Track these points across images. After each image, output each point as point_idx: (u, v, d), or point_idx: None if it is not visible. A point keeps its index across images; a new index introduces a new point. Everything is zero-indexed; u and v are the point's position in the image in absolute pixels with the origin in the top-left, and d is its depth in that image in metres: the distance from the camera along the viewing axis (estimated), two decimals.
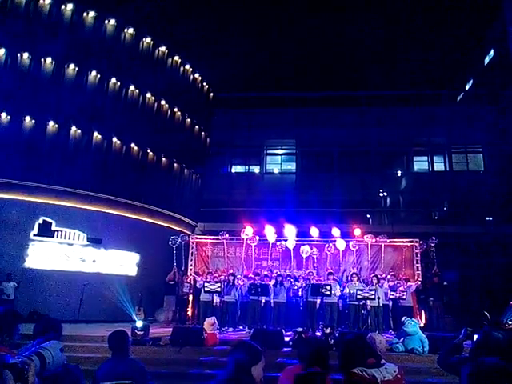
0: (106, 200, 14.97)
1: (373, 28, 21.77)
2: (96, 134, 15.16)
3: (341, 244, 13.17)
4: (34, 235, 13.61)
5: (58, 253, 13.86)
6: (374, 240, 13.35)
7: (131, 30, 16.46)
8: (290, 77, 22.41)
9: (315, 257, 13.20)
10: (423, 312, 12.38)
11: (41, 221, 13.71)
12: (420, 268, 13.37)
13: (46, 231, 13.70)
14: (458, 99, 24.36)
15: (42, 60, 14.57)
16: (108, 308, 13.64)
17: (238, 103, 23.06)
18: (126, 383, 3.47)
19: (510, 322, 9.09)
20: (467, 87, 24.52)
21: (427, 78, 22.21)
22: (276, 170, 23.24)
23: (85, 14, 15.47)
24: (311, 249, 13.20)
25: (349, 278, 12.30)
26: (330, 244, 13.28)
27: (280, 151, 23.55)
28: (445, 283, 12.58)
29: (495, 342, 2.62)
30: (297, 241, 13.61)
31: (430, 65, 22.15)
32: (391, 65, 22.43)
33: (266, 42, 21.47)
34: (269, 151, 23.22)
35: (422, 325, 11.23)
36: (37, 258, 13.53)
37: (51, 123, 14.33)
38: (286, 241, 13.38)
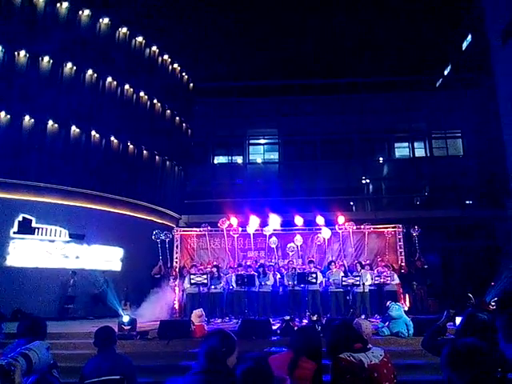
0: (86, 195, 14.74)
1: (351, 16, 21.77)
2: (74, 128, 14.86)
3: (326, 233, 13.27)
4: (14, 233, 13.33)
5: (39, 250, 13.62)
6: (354, 227, 13.49)
7: (107, 20, 16.10)
8: (271, 65, 22.30)
9: (299, 244, 13.24)
10: (407, 296, 12.61)
11: (20, 218, 13.42)
12: (403, 253, 13.57)
13: (26, 228, 13.43)
14: (437, 85, 24.64)
15: (16, 53, 14.15)
16: (93, 304, 13.53)
17: (219, 93, 22.90)
18: (115, 378, 3.45)
19: (493, 303, 9.32)
20: (446, 72, 24.81)
21: (406, 64, 22.39)
22: (259, 160, 23.22)
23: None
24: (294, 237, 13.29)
25: (326, 266, 12.44)
26: (319, 235, 13.35)
27: (262, 141, 23.52)
28: (427, 267, 12.84)
29: (480, 324, 2.68)
30: (282, 230, 13.68)
31: (408, 51, 22.30)
32: (370, 52, 22.50)
33: (246, 30, 21.28)
34: (251, 141, 23.16)
35: (406, 308, 11.43)
36: (18, 256, 13.27)
37: (27, 118, 13.97)
38: (270, 237, 13.41)
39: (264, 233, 13.45)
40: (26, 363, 1.88)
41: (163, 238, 13.38)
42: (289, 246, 13.29)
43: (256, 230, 13.55)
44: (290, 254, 13.23)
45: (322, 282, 11.62)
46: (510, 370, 1.92)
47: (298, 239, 13.22)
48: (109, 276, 14.23)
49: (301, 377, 2.90)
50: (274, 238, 13.33)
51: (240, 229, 13.57)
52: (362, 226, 13.63)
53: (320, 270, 12.03)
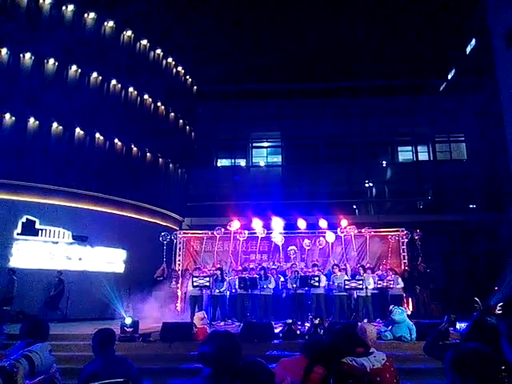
0: (90, 197, 14.78)
1: (355, 19, 21.81)
2: (78, 130, 14.91)
3: (330, 236, 13.27)
4: (18, 234, 13.36)
5: (42, 251, 13.65)
6: (356, 231, 13.48)
7: (111, 23, 16.19)
8: (274, 69, 22.35)
9: (307, 248, 13.29)
10: (410, 300, 12.57)
11: (24, 219, 13.46)
12: (406, 257, 13.54)
13: (29, 230, 13.47)
14: (441, 89, 24.61)
15: (21, 55, 14.23)
16: (96, 306, 13.53)
17: (222, 96, 22.95)
18: (119, 381, 3.43)
19: (499, 307, 9.34)
20: (450, 76, 24.78)
21: (410, 68, 22.38)
22: (262, 163, 23.22)
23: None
24: (300, 242, 13.33)
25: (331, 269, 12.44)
26: (321, 238, 13.36)
27: (265, 144, 23.53)
28: (431, 271, 12.81)
29: (489, 328, 2.67)
30: (284, 233, 13.68)
31: (412, 54, 22.31)
32: (374, 56, 22.52)
33: (250, 34, 21.33)
34: (254, 144, 23.18)
35: (409, 312, 11.40)
36: (21, 258, 13.30)
37: (32, 120, 14.03)
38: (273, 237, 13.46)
39: (272, 239, 13.44)
40: (29, 365, 1.89)
41: (172, 238, 13.43)
42: (289, 248, 13.30)
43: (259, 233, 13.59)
44: (292, 256, 13.24)
45: (325, 285, 11.60)
46: None
47: (307, 243, 13.26)
48: (112, 278, 14.21)
49: (311, 380, 2.92)
50: (280, 236, 13.34)
51: (246, 232, 13.59)
52: (363, 230, 13.59)
53: (324, 273, 12.00)
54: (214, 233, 13.84)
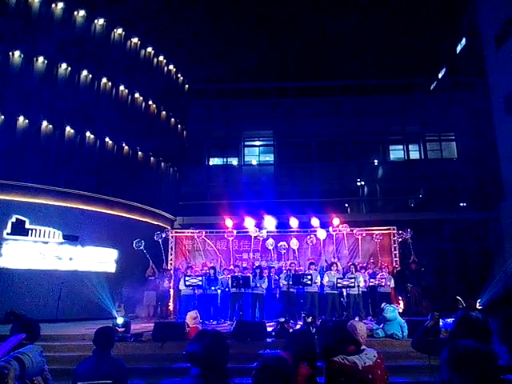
0: (81, 196, 14.66)
1: (346, 18, 21.88)
2: (68, 129, 14.78)
3: (321, 233, 13.31)
4: (8, 234, 13.23)
5: (33, 251, 13.52)
6: (348, 230, 13.54)
7: (102, 21, 16.06)
8: (266, 68, 22.37)
9: (296, 248, 13.32)
10: (401, 298, 12.65)
11: (14, 219, 13.32)
12: (398, 255, 13.62)
13: (19, 230, 13.33)
14: (432, 88, 24.78)
15: (11, 53, 14.07)
16: (87, 306, 13.44)
17: (215, 94, 22.90)
18: (107, 383, 3.42)
19: (478, 303, 9.58)
20: (440, 75, 24.95)
21: (401, 67, 22.51)
22: (254, 162, 23.21)
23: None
24: (290, 240, 13.36)
25: (326, 267, 12.48)
26: (312, 235, 13.40)
27: (258, 143, 23.53)
28: (422, 269, 12.92)
29: (474, 322, 2.73)
30: (277, 232, 13.71)
31: (403, 54, 22.44)
32: (365, 55, 22.62)
33: (242, 32, 21.32)
34: (246, 143, 23.15)
35: (400, 310, 11.48)
36: (11, 258, 13.16)
37: (21, 118, 13.88)
38: (267, 239, 13.50)
39: (268, 246, 13.50)
40: (20, 367, 1.87)
41: (142, 247, 13.39)
42: (280, 244, 13.33)
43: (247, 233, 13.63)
44: (283, 252, 13.27)
45: (321, 283, 11.65)
46: (504, 372, 1.93)
47: (295, 242, 13.26)
48: (103, 278, 14.13)
49: (296, 382, 2.90)
50: (270, 240, 13.37)
51: (235, 231, 13.61)
52: (355, 231, 13.66)
53: (319, 272, 12.05)
54: (199, 232, 13.89)
